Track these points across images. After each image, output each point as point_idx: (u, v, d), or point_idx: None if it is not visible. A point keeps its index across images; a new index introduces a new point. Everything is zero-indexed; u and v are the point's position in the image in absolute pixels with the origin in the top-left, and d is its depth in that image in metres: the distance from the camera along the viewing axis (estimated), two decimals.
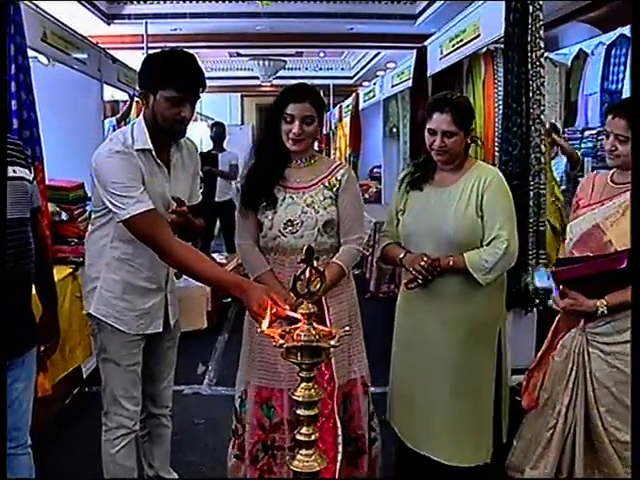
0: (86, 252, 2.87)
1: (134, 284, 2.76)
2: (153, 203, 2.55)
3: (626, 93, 5.95)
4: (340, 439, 2.77)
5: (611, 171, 2.80)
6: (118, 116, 7.96)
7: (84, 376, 4.67)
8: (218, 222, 8.51)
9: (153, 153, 2.66)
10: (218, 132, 8.89)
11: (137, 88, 2.72)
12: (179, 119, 2.61)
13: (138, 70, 2.73)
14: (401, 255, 3.04)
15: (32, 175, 2.58)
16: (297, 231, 2.85)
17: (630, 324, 2.53)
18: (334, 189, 2.92)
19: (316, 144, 3.26)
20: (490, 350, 3.05)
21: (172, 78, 2.54)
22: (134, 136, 2.63)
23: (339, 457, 2.75)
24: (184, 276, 2.68)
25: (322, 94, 3.04)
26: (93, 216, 2.81)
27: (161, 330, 2.87)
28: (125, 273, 2.75)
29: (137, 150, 2.60)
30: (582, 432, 2.69)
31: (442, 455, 3.03)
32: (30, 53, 4.24)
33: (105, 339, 2.78)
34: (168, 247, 2.53)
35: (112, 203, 2.53)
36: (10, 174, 2.39)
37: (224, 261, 6.93)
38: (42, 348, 2.78)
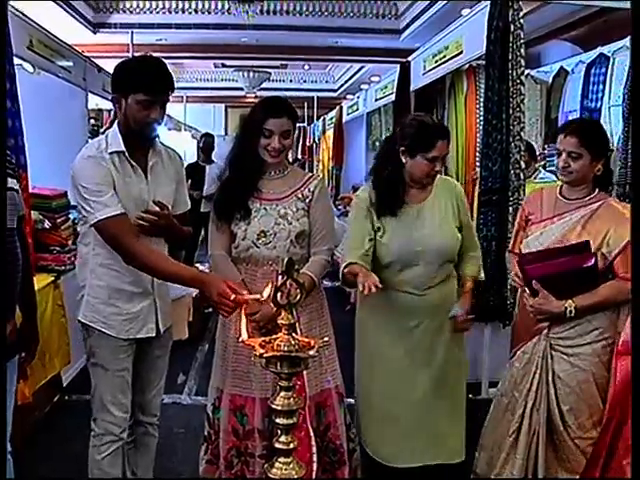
0: (76, 262, 2.93)
1: (119, 288, 2.79)
2: (127, 205, 2.64)
3: (605, 111, 6.04)
4: (314, 449, 2.77)
5: (557, 187, 2.97)
6: (107, 126, 7.96)
7: (64, 384, 4.67)
8: (203, 232, 8.41)
9: (126, 155, 2.71)
10: (207, 143, 8.82)
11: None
12: (150, 121, 2.69)
13: (111, 77, 2.80)
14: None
15: (18, 184, 2.60)
16: (270, 242, 2.90)
17: (592, 327, 2.75)
18: (307, 200, 2.97)
19: (299, 156, 3.33)
20: (463, 353, 3.24)
21: (141, 82, 2.63)
22: (108, 141, 2.70)
23: (314, 467, 2.78)
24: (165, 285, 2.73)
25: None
26: (78, 228, 2.87)
27: (153, 335, 2.88)
28: (109, 278, 2.77)
29: (111, 153, 2.67)
30: (544, 433, 2.80)
31: (441, 458, 3.14)
32: (15, 61, 4.25)
33: (94, 344, 2.80)
34: (131, 250, 2.62)
35: (83, 207, 2.62)
36: None
37: (207, 270, 6.93)
38: (23, 355, 2.79)
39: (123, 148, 2.70)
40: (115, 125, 2.76)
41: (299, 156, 16.41)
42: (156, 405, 3.09)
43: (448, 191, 3.13)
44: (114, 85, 2.74)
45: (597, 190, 2.86)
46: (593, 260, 2.69)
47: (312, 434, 2.78)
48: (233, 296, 2.30)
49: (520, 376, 2.89)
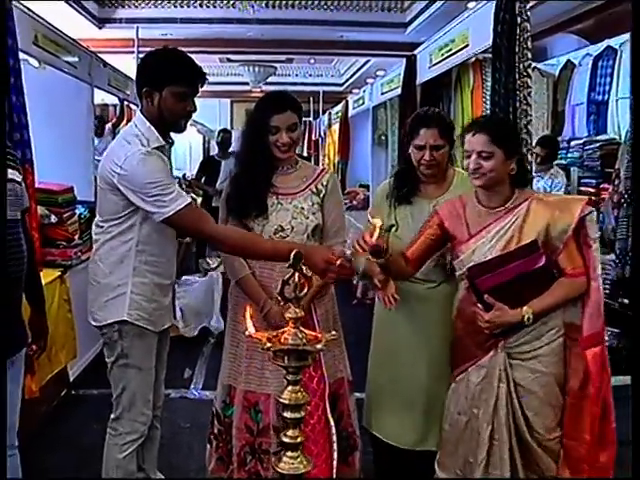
0: (101, 262, 2.78)
1: (161, 283, 2.83)
2: None
3: (612, 104, 6.02)
4: (334, 438, 2.82)
5: (473, 196, 2.79)
6: (114, 121, 7.97)
7: (71, 379, 4.68)
8: None
9: (164, 149, 2.72)
10: (225, 138, 8.94)
11: (134, 89, 2.77)
12: (186, 113, 2.72)
13: (139, 70, 2.77)
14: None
15: (21, 176, 2.59)
16: (287, 236, 2.90)
17: (548, 328, 2.65)
18: (320, 195, 2.98)
19: (305, 150, 3.32)
20: None
21: (180, 74, 2.65)
22: (146, 136, 2.65)
23: (334, 456, 2.82)
24: None
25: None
26: (105, 225, 2.74)
27: (172, 322, 2.97)
28: (152, 275, 2.78)
29: (154, 149, 2.63)
30: (517, 444, 2.68)
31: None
32: (21, 56, 4.24)
33: (128, 345, 2.76)
34: (220, 233, 2.67)
35: (152, 203, 2.54)
36: None
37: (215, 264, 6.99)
38: (34, 348, 2.79)
39: (163, 142, 2.70)
40: (142, 119, 2.70)
41: (305, 152, 16.43)
42: (160, 395, 3.12)
43: (464, 185, 3.05)
44: (145, 78, 2.71)
45: (517, 191, 2.69)
46: (544, 259, 2.56)
47: (332, 423, 2.84)
48: (339, 261, 2.32)
49: (477, 391, 2.73)
